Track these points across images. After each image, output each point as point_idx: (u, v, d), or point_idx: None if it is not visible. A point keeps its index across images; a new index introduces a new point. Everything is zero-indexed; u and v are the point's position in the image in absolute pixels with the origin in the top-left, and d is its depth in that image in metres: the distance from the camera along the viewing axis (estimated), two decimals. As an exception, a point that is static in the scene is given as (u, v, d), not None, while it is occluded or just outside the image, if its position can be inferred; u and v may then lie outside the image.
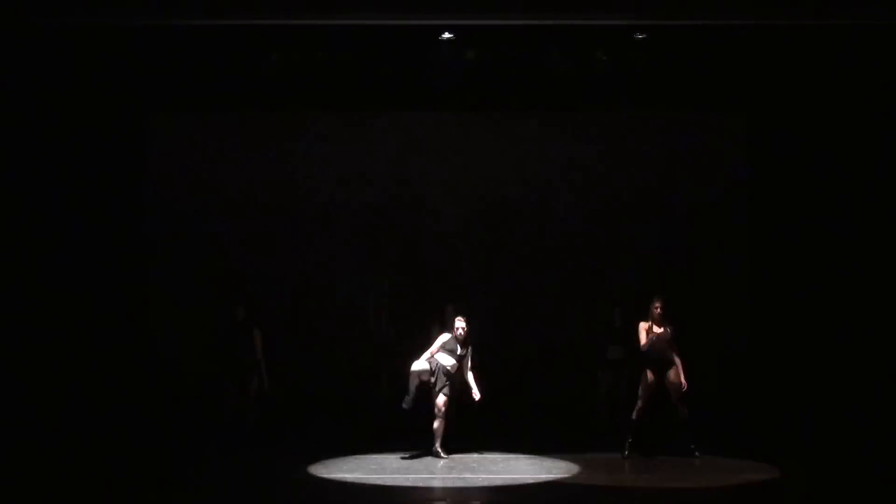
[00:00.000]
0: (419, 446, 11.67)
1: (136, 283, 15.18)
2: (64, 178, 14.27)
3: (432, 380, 11.40)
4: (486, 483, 10.31)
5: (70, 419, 12.95)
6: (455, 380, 11.50)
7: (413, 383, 11.41)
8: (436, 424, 11.45)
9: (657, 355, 11.55)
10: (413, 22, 11.78)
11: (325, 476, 10.59)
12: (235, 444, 12.08)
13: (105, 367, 14.21)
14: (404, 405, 11.36)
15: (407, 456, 11.50)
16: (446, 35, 12.85)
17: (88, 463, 11.44)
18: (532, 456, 11.60)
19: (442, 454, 11.41)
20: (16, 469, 10.98)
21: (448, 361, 11.44)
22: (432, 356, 11.49)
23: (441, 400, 11.40)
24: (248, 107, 14.61)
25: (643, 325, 11.63)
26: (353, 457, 11.52)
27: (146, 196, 15.34)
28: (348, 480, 10.37)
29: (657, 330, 11.53)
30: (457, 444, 11.71)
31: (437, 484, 10.42)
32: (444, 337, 11.57)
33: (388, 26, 12.13)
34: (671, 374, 11.56)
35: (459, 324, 11.49)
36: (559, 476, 10.59)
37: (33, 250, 13.90)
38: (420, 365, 11.42)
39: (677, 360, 11.58)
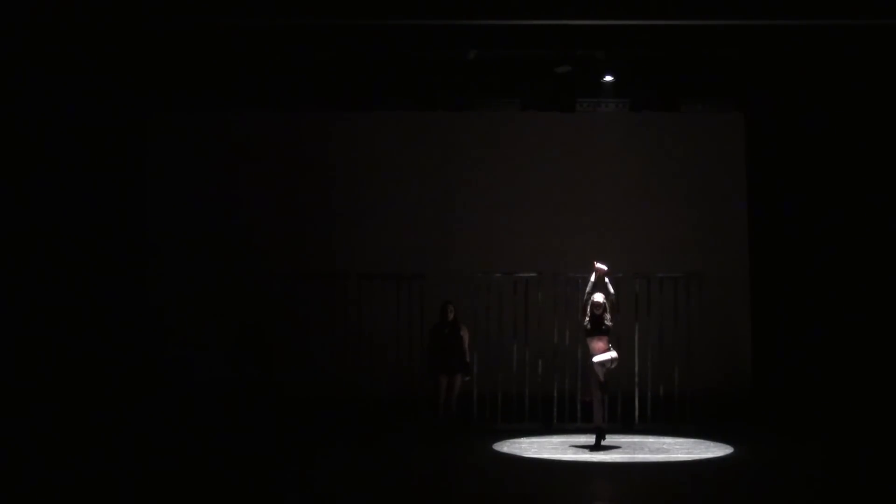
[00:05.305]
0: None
1: (136, 282, 15.20)
2: (65, 178, 14.32)
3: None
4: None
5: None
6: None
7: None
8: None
9: None
10: (416, 22, 11.82)
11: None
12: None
13: (103, 369, 14.24)
14: None
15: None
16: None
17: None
18: None
19: None
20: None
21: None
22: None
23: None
24: (248, 107, 14.60)
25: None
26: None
27: (146, 196, 15.37)
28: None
29: None
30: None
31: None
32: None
33: (388, 26, 12.16)
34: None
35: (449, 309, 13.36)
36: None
37: (34, 250, 13.93)
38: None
39: None
